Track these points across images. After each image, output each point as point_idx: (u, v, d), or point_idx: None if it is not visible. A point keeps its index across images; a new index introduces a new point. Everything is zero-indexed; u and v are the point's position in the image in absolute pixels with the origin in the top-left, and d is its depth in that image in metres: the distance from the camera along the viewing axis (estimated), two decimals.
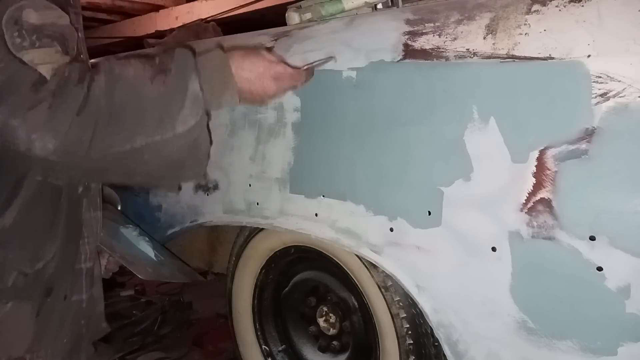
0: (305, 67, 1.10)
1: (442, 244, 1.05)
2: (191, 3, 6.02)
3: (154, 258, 1.60)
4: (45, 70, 0.83)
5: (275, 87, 1.05)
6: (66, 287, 1.13)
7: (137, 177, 0.99)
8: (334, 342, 1.58)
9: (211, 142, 1.00)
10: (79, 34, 1.07)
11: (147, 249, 1.63)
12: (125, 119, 0.87)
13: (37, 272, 1.03)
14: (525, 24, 0.94)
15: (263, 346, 1.72)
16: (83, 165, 0.88)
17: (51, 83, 0.82)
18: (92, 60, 0.93)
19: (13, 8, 0.82)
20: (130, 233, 1.64)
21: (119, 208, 1.79)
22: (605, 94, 0.85)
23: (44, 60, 0.84)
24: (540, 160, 0.92)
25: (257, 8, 5.11)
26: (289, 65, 1.07)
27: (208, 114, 0.96)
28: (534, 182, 0.92)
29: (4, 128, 0.80)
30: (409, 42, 1.08)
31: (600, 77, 0.86)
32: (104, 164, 0.90)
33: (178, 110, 0.91)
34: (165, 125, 0.91)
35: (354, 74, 1.16)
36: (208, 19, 5.20)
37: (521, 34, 0.94)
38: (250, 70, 1.01)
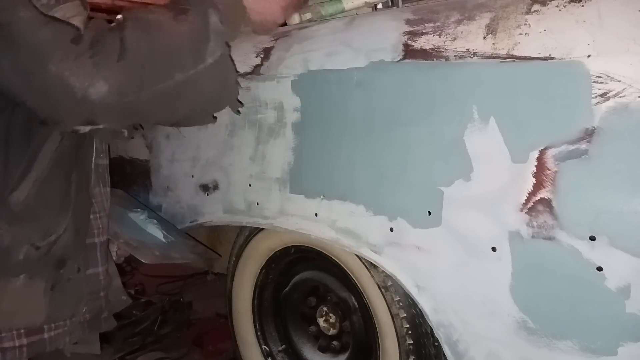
0: None
1: (442, 244, 1.05)
2: None
3: (163, 240, 1.56)
4: (78, 22, 0.89)
5: (284, 15, 1.14)
6: (79, 259, 1.16)
7: (180, 112, 1.04)
8: (334, 342, 1.58)
9: (237, 72, 1.07)
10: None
11: (155, 231, 1.59)
12: (162, 58, 0.93)
13: (49, 245, 1.06)
14: (525, 24, 0.94)
15: (263, 346, 1.72)
16: (135, 107, 0.93)
17: (86, 35, 0.87)
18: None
19: None
20: (137, 217, 1.61)
21: None
22: (605, 94, 0.85)
23: (74, 13, 0.89)
24: (540, 160, 0.92)
25: None
26: None
27: (229, 45, 1.01)
28: (534, 182, 0.92)
29: (58, 81, 0.84)
30: (409, 42, 1.08)
31: (600, 77, 0.85)
32: (153, 104, 0.95)
33: (205, 43, 0.97)
34: (197, 58, 0.96)
35: (353, 74, 1.16)
36: None
37: (521, 34, 0.94)
38: (260, 2, 1.07)
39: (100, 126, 0.93)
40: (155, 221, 1.62)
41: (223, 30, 0.99)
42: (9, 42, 0.85)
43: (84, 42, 0.87)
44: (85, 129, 0.93)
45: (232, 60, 1.04)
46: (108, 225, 1.30)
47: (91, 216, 1.21)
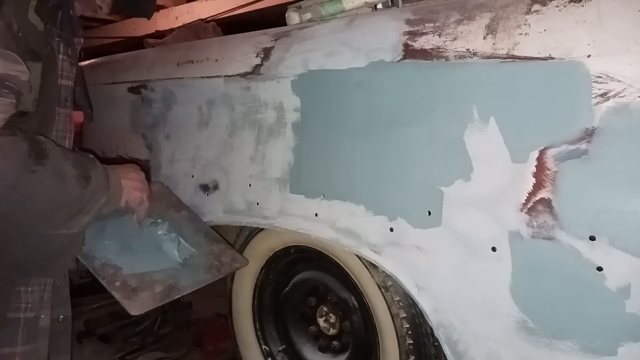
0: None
1: (442, 244, 1.05)
2: (191, 3, 6.01)
3: (178, 259, 1.35)
4: None
5: (145, 204, 1.27)
6: None
7: (11, 257, 1.03)
8: (334, 342, 1.58)
9: (81, 250, 1.15)
10: (70, 82, 1.14)
11: (170, 250, 1.36)
12: (38, 209, 0.95)
13: None
14: (525, 24, 0.94)
15: (263, 346, 1.72)
16: None
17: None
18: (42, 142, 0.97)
19: None
20: (156, 232, 1.39)
21: None
22: (605, 94, 0.85)
23: None
24: (540, 160, 0.92)
25: (257, 8, 5.11)
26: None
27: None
28: (534, 182, 0.92)
29: None
30: (409, 42, 1.08)
31: (600, 77, 0.85)
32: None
33: (84, 215, 1.02)
34: (68, 223, 1.00)
35: (353, 74, 1.16)
36: (208, 19, 5.20)
37: (521, 34, 0.94)
38: (133, 193, 1.20)
39: None
40: (173, 235, 1.39)
41: (103, 209, 1.06)
42: None
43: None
44: None
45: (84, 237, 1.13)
46: (45, 301, 1.14)
47: (21, 288, 1.08)
